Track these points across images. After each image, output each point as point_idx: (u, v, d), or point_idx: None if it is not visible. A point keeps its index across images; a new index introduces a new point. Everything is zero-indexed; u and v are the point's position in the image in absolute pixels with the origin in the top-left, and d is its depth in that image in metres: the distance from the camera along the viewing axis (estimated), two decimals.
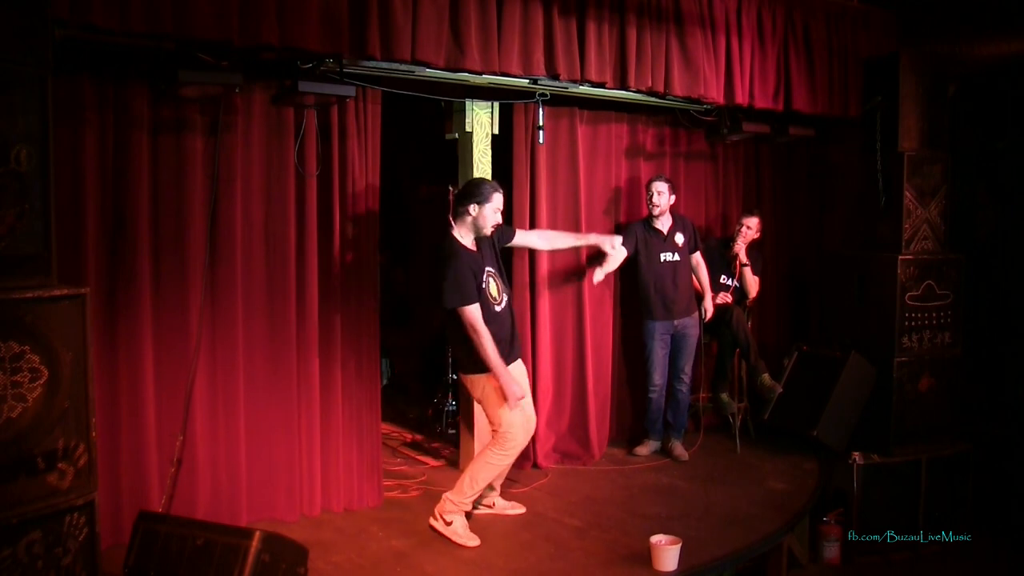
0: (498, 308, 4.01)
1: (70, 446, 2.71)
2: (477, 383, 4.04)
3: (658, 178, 5.21)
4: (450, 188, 4.88)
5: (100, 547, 2.85)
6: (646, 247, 5.22)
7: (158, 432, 3.86)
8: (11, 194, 2.59)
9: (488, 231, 3.99)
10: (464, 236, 4.00)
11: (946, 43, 5.53)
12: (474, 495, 4.08)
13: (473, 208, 3.95)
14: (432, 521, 4.06)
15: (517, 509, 4.40)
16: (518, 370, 4.15)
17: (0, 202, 2.57)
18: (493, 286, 4.02)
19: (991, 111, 5.91)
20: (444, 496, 4.07)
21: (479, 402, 4.17)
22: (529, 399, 4.15)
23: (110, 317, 3.73)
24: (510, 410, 3.94)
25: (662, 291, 5.23)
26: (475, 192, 3.98)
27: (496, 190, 4.00)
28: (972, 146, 5.91)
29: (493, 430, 4.05)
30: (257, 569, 3.02)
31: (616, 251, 4.66)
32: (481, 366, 3.93)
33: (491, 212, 3.95)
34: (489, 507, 4.37)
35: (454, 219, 4.05)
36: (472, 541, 3.96)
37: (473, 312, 3.83)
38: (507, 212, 5.01)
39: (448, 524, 4.01)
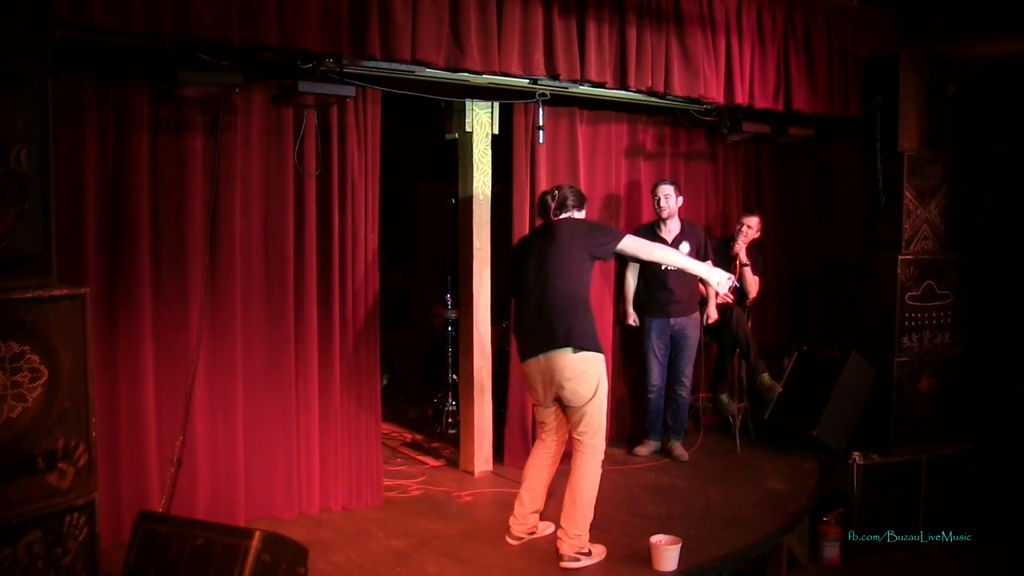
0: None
1: (70, 446, 2.70)
2: (595, 365, 3.75)
3: (663, 181, 5.19)
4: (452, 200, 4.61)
5: (100, 547, 2.85)
6: None
7: (158, 432, 3.86)
8: (11, 194, 2.59)
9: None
10: None
11: (946, 43, 5.52)
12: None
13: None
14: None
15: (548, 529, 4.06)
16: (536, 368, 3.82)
17: (0, 202, 2.57)
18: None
19: (991, 111, 5.90)
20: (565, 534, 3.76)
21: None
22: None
23: (110, 317, 3.73)
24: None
25: (659, 293, 5.23)
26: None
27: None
28: (972, 146, 5.90)
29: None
30: (257, 569, 3.02)
31: None
32: (597, 344, 3.77)
33: None
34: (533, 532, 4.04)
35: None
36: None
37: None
38: (507, 213, 5.04)
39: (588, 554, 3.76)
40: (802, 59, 5.28)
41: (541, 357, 3.75)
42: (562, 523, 3.76)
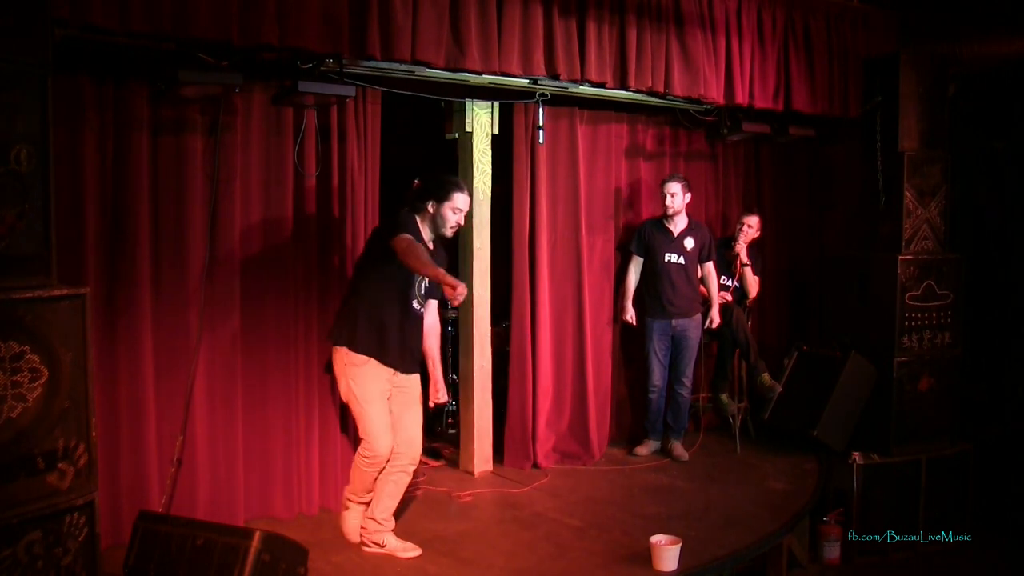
0: (417, 307, 3.88)
1: (70, 446, 2.71)
2: (337, 359, 3.81)
3: (671, 178, 5.20)
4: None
5: (100, 547, 2.85)
6: (652, 245, 5.23)
7: (158, 432, 3.86)
8: (11, 194, 2.59)
9: (447, 232, 3.79)
10: (423, 229, 3.79)
11: (946, 43, 5.53)
12: (380, 509, 3.83)
13: (431, 205, 3.76)
14: (365, 549, 3.85)
15: (411, 552, 3.82)
16: (408, 383, 3.88)
17: (0, 202, 2.57)
18: (422, 289, 3.86)
19: (991, 111, 5.90)
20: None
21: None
22: (413, 420, 3.89)
23: (110, 317, 3.73)
24: (368, 404, 3.71)
25: (661, 291, 5.23)
26: (436, 189, 3.78)
27: (458, 190, 3.77)
28: (972, 146, 5.91)
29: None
30: (257, 569, 3.02)
31: None
32: (345, 338, 3.76)
33: (449, 212, 3.74)
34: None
35: (415, 213, 3.79)
36: (410, 552, 3.80)
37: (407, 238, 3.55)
38: (507, 212, 5.03)
39: (382, 546, 3.81)
40: (802, 59, 5.28)
41: None
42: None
